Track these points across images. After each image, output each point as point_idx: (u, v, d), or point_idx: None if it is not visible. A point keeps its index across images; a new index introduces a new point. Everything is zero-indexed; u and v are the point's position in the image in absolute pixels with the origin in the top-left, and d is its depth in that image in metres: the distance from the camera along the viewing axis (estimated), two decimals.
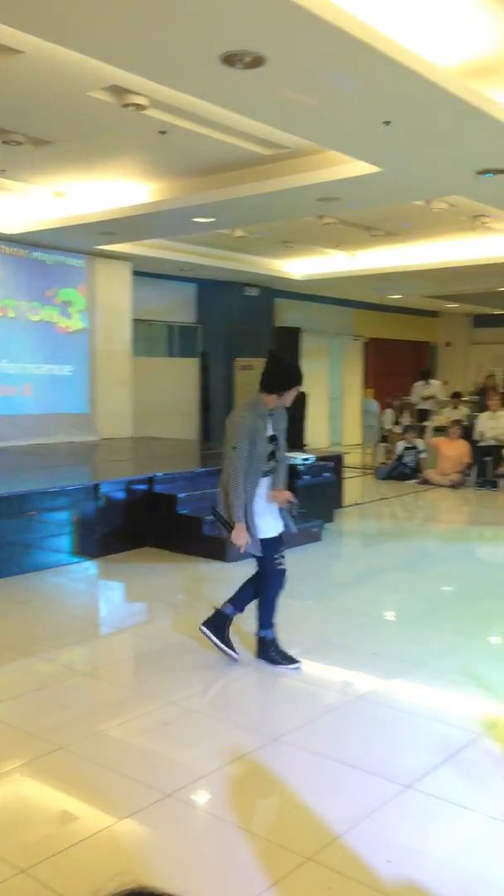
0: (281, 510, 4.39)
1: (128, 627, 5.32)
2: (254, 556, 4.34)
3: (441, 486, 11.29)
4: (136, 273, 11.74)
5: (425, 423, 13.14)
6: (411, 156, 6.04)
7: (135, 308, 11.82)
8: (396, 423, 13.49)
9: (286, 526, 4.41)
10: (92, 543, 6.77)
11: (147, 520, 7.26)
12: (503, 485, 10.92)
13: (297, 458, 7.97)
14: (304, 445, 13.33)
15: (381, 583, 6.44)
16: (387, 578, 6.56)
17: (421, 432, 12.54)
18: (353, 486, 11.13)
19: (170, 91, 5.10)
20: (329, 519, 8.22)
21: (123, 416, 11.63)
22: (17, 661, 4.44)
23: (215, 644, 4.38)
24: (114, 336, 11.44)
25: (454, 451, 11.49)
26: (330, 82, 4.56)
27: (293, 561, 6.85)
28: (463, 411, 13.16)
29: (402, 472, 11.97)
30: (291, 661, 4.30)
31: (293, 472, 7.87)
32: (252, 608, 4.40)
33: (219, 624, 4.43)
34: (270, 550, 4.31)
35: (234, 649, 4.38)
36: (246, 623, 4.57)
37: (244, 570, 6.08)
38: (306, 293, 14.96)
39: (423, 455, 11.97)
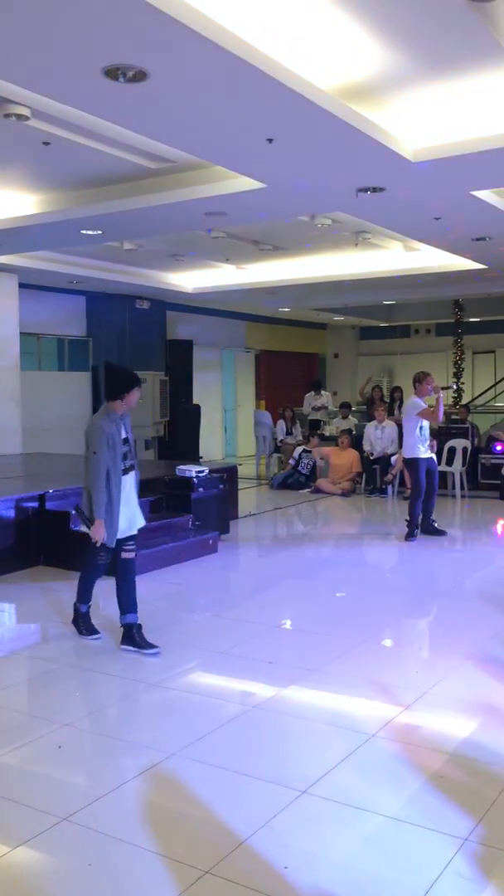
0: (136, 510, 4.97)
1: (21, 649, 5.17)
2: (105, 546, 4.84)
3: (333, 494, 11.54)
4: (23, 285, 11.47)
5: (316, 433, 13.41)
6: (294, 173, 6.19)
7: (22, 321, 11.53)
8: (289, 433, 13.70)
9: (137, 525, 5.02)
10: None
11: (40, 538, 7.08)
12: (391, 492, 11.27)
13: (192, 470, 7.97)
14: (199, 458, 13.35)
15: (277, 591, 6.52)
16: (282, 587, 6.65)
17: (323, 440, 12.78)
18: (248, 497, 11.23)
19: (53, 102, 5.04)
20: (225, 530, 8.26)
21: (12, 431, 11.31)
22: None
23: (142, 653, 4.73)
24: (1, 350, 11.12)
25: (344, 460, 11.78)
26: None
27: (189, 573, 6.87)
28: (352, 421, 13.51)
29: (297, 479, 12.15)
30: (95, 632, 5.06)
31: (188, 484, 7.87)
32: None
33: (131, 635, 4.82)
34: (100, 550, 4.88)
35: (151, 646, 4.77)
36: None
37: (141, 586, 6.03)
38: (198, 306, 15.02)
39: (320, 462, 12.20)
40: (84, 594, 5.12)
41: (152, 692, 4.17)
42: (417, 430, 8.04)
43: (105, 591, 6.20)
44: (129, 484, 4.86)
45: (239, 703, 4.06)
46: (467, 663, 4.59)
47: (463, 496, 11.22)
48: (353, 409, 14.14)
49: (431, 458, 8.28)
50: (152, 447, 13.39)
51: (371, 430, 11.78)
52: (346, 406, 13.91)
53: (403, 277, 11.72)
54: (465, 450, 11.46)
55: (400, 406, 12.03)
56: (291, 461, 12.49)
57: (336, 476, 11.79)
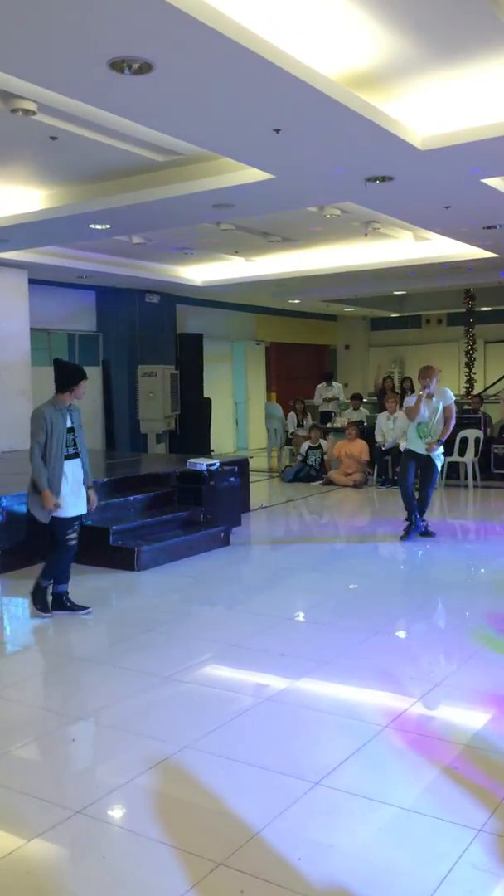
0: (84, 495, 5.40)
1: (33, 644, 5.19)
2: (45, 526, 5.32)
3: (345, 486, 11.52)
4: (33, 281, 11.49)
5: (328, 425, 13.39)
6: (302, 163, 6.15)
7: (32, 317, 11.55)
8: (300, 425, 13.68)
9: (87, 510, 5.46)
10: None
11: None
12: None
13: (203, 463, 7.97)
14: (210, 451, 13.35)
15: (289, 584, 6.51)
16: (295, 579, 6.65)
17: (325, 433, 12.77)
18: (260, 490, 11.22)
19: (60, 96, 5.03)
20: (237, 523, 8.25)
21: (25, 427, 11.26)
22: None
23: (77, 615, 5.37)
24: (11, 346, 11.14)
25: (353, 451, 11.76)
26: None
27: (201, 566, 6.88)
28: (363, 412, 13.47)
29: (308, 473, 12.15)
30: (47, 610, 5.37)
31: (199, 477, 7.88)
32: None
33: (62, 602, 5.42)
34: (65, 528, 5.32)
35: (82, 608, 5.42)
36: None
37: (153, 579, 6.05)
38: (207, 299, 15.00)
39: (327, 456, 12.19)
40: (53, 573, 5.41)
41: (165, 685, 4.18)
42: (415, 423, 7.60)
43: (118, 587, 6.22)
44: (71, 469, 5.29)
45: (251, 695, 4.06)
46: (480, 654, 4.57)
47: (475, 486, 11.17)
48: (365, 400, 14.09)
49: (427, 456, 7.59)
50: (163, 441, 13.39)
51: (383, 420, 11.73)
52: (357, 397, 13.87)
53: (414, 267, 11.65)
54: (477, 440, 11.41)
55: None
56: (299, 456, 12.48)
57: (346, 468, 11.77)
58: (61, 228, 8.49)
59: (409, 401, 7.83)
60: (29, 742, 3.53)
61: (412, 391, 12.74)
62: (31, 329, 11.55)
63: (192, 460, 8.09)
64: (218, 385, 15.84)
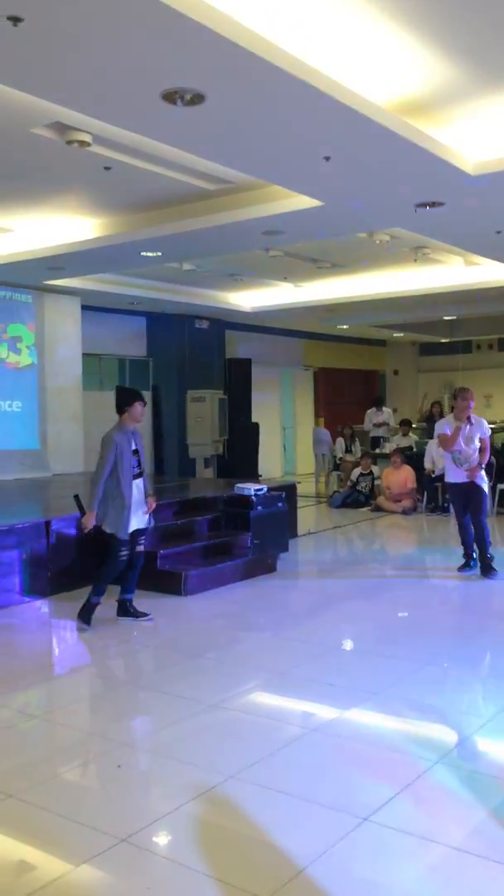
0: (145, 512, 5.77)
1: (81, 667, 5.22)
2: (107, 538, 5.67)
3: (393, 512, 11.39)
4: (85, 307, 11.71)
5: (377, 450, 13.28)
6: (352, 190, 6.17)
7: (84, 342, 11.76)
8: (348, 450, 13.60)
9: (148, 523, 5.83)
10: (44, 582, 6.64)
11: (100, 556, 7.14)
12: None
13: (250, 488, 7.96)
14: (258, 476, 13.35)
15: (336, 612, 6.43)
16: (342, 607, 6.57)
17: (374, 459, 12.66)
18: (308, 515, 11.16)
19: (113, 127, 5.15)
20: (284, 549, 8.20)
21: (75, 451, 11.52)
22: None
23: (139, 622, 5.75)
24: (64, 371, 11.36)
25: (400, 477, 11.63)
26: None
27: (248, 592, 6.84)
28: (412, 438, 13.33)
29: (355, 499, 12.05)
30: (89, 622, 5.63)
31: (247, 502, 7.86)
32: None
33: (125, 608, 5.82)
34: (121, 543, 5.62)
35: (143, 614, 5.81)
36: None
37: (200, 604, 6.04)
38: (256, 325, 15.09)
39: (378, 481, 12.08)
40: (100, 587, 5.68)
41: (211, 712, 4.14)
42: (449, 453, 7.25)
43: (165, 611, 6.23)
44: (137, 488, 5.67)
45: (299, 725, 4.00)
46: None
47: None
48: (414, 425, 13.96)
49: (471, 482, 7.16)
50: (211, 465, 13.43)
51: (432, 447, 11.57)
52: (406, 423, 13.75)
53: (464, 293, 11.56)
54: None
55: None
56: (349, 482, 12.39)
57: (397, 495, 11.64)
58: (114, 256, 8.65)
59: (443, 428, 7.34)
60: (75, 766, 3.53)
61: (441, 415, 12.54)
62: (83, 354, 11.75)
63: (240, 485, 8.08)
64: (266, 410, 15.87)
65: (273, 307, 13.08)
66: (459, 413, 7.20)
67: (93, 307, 12.12)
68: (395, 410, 16.05)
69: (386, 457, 12.59)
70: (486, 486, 7.38)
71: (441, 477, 11.17)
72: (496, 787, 3.26)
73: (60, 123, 5.32)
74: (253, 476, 12.78)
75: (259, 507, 7.88)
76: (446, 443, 7.21)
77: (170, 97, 4.31)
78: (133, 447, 5.68)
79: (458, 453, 7.19)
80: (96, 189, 6.86)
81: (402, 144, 5.08)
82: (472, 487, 7.23)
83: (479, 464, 7.18)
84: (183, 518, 7.86)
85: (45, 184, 6.74)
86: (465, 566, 7.42)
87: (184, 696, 4.37)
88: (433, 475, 11.31)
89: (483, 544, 7.28)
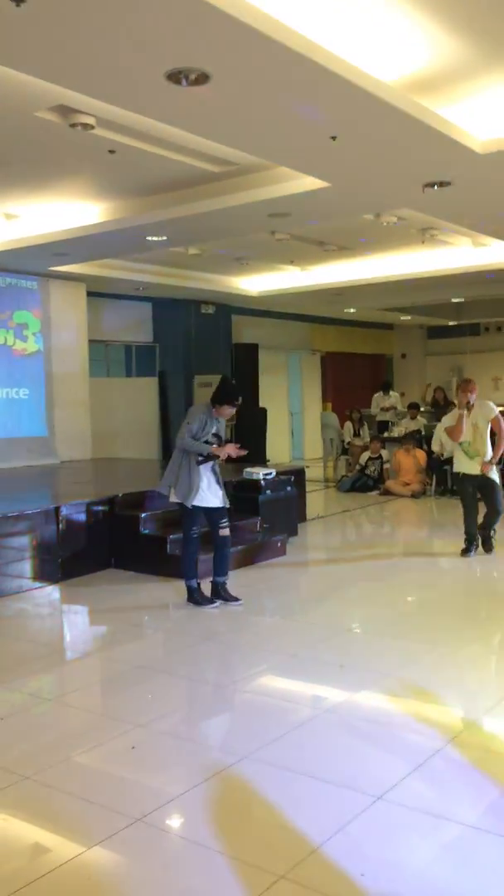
0: (221, 486, 5.85)
1: (93, 651, 5.23)
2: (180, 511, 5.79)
3: (402, 496, 11.37)
4: (91, 293, 11.68)
5: (385, 434, 13.25)
6: (359, 170, 6.11)
7: (90, 329, 11.74)
8: (356, 435, 13.57)
9: (223, 502, 5.82)
10: (54, 567, 6.67)
11: (110, 541, 7.17)
12: None
13: (259, 472, 7.95)
14: (266, 461, 13.34)
15: (346, 595, 6.44)
16: (352, 590, 6.57)
17: (382, 442, 12.63)
18: (316, 500, 11.15)
19: (117, 110, 5.11)
20: (293, 532, 8.21)
21: (83, 437, 11.53)
22: None
23: (229, 605, 5.77)
24: (70, 357, 11.34)
25: (411, 461, 11.60)
26: (295, 113, 4.68)
27: (258, 576, 6.85)
28: (420, 421, 13.29)
29: (364, 483, 12.03)
30: (211, 601, 5.75)
31: (255, 487, 7.86)
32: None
33: (217, 591, 5.84)
34: (192, 519, 5.73)
35: (235, 599, 5.81)
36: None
37: (210, 588, 6.03)
38: (262, 309, 15.03)
39: (387, 465, 12.06)
40: (188, 570, 5.80)
41: (223, 694, 4.15)
42: (458, 444, 7.23)
43: (175, 596, 6.23)
44: (211, 468, 5.76)
45: (310, 706, 4.01)
46: None
47: None
48: (422, 409, 13.92)
49: (483, 476, 7.13)
50: None
51: (441, 430, 11.53)
52: (414, 406, 13.70)
53: (472, 274, 11.47)
54: None
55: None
56: (358, 466, 12.37)
57: (405, 478, 11.62)
58: (119, 241, 8.61)
59: (448, 420, 7.36)
60: (90, 748, 3.55)
61: (445, 400, 12.49)
62: (89, 341, 11.73)
63: (249, 469, 8.08)
64: (273, 395, 15.84)
65: (280, 291, 13.01)
66: (460, 404, 7.26)
67: (98, 293, 12.09)
68: (402, 394, 15.99)
69: (394, 440, 12.56)
70: (497, 478, 7.31)
71: (449, 460, 11.16)
72: None
73: (64, 106, 5.28)
74: (261, 461, 12.77)
75: (268, 492, 7.89)
76: (452, 434, 7.22)
77: (174, 77, 4.26)
78: (214, 430, 5.76)
79: (468, 444, 7.17)
80: (101, 173, 6.82)
81: (408, 122, 5.02)
82: (485, 480, 7.22)
83: (492, 461, 7.14)
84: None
85: (50, 168, 6.71)
86: (467, 551, 7.39)
87: (196, 679, 4.38)
88: (442, 458, 11.29)
89: (492, 523, 7.34)
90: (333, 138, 5.28)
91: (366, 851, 2.66)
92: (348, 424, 13.82)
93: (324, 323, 17.35)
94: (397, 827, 2.83)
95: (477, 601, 6.26)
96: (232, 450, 5.76)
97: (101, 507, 7.17)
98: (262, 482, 7.85)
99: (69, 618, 6.13)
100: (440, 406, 12.50)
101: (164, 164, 6.47)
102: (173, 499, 5.74)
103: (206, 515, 5.80)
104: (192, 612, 5.87)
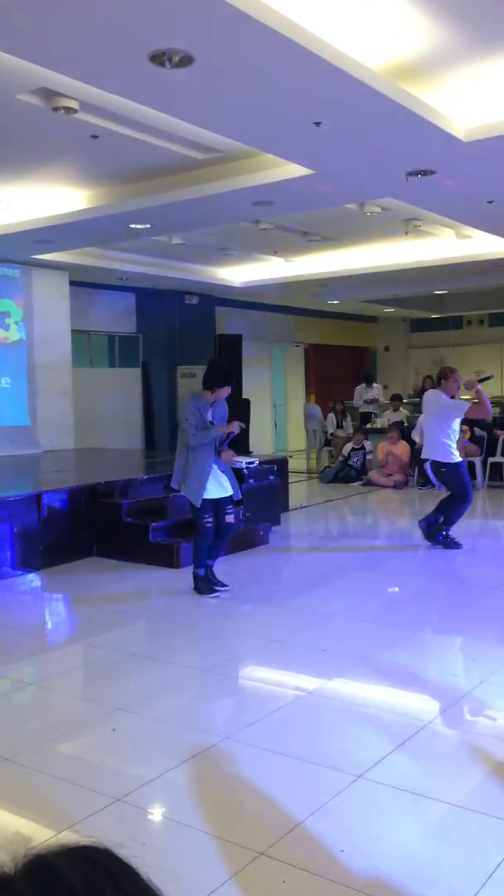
0: (230, 477, 5.82)
1: (75, 638, 5.22)
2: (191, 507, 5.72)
3: (385, 486, 11.41)
4: (74, 283, 11.60)
5: (367, 426, 13.28)
6: (343, 157, 6.10)
7: (74, 319, 11.67)
8: (339, 426, 13.59)
9: (233, 492, 5.81)
10: (35, 555, 6.63)
11: (92, 530, 7.15)
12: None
13: (242, 461, 7.94)
14: (249, 452, 13.33)
15: (328, 582, 6.45)
16: (334, 578, 6.58)
17: (365, 434, 12.66)
18: (299, 490, 11.17)
19: (101, 93, 5.06)
20: (276, 522, 8.22)
21: (65, 427, 11.46)
22: None
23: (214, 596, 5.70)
24: (52, 347, 11.27)
25: (396, 452, 11.64)
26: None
27: (241, 564, 6.85)
28: (403, 413, 13.34)
29: (347, 474, 12.06)
30: (212, 590, 5.70)
31: (239, 475, 7.85)
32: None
33: (199, 586, 5.75)
34: (203, 511, 5.64)
35: (222, 585, 5.79)
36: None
37: (191, 577, 6.02)
38: (246, 300, 15.00)
39: (370, 456, 12.09)
40: (198, 559, 5.77)
41: (205, 678, 4.15)
42: (450, 430, 7.24)
43: (158, 584, 6.22)
44: (210, 456, 5.70)
45: (292, 689, 4.01)
46: None
47: None
48: (405, 401, 13.96)
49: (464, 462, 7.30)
50: None
51: (422, 421, 11.58)
52: (396, 398, 13.75)
53: (456, 266, 11.51)
54: None
55: None
56: (341, 457, 12.39)
57: (388, 469, 11.66)
58: (102, 228, 8.56)
59: (447, 400, 7.37)
60: (70, 730, 3.54)
61: (433, 388, 12.48)
62: (72, 331, 11.66)
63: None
64: (257, 387, 15.83)
65: (264, 282, 12.99)
66: (450, 391, 7.29)
67: (81, 283, 12.01)
68: (385, 387, 16.04)
69: (378, 431, 12.59)
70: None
71: None
72: (493, 747, 3.28)
73: (46, 89, 5.23)
74: (244, 453, 12.76)
75: (251, 480, 7.89)
76: (480, 408, 7.10)
77: (157, 59, 4.22)
78: (209, 418, 5.70)
79: (455, 431, 7.25)
80: (84, 159, 6.77)
81: (392, 108, 5.02)
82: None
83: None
84: (175, 492, 7.83)
85: (32, 154, 6.64)
86: (454, 544, 7.34)
87: (178, 663, 4.38)
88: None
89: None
90: (318, 124, 5.27)
91: (346, 828, 2.67)
92: (331, 416, 13.84)
93: (308, 315, 17.35)
94: (377, 805, 2.84)
95: (457, 588, 6.30)
96: (237, 425, 5.80)
97: (82, 495, 7.14)
98: (245, 471, 7.85)
99: (51, 605, 6.10)
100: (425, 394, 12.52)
101: (148, 151, 6.43)
102: (186, 495, 5.76)
103: (212, 504, 5.78)
104: (174, 599, 5.86)
